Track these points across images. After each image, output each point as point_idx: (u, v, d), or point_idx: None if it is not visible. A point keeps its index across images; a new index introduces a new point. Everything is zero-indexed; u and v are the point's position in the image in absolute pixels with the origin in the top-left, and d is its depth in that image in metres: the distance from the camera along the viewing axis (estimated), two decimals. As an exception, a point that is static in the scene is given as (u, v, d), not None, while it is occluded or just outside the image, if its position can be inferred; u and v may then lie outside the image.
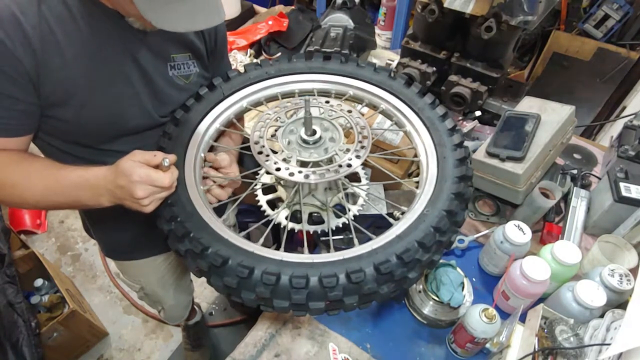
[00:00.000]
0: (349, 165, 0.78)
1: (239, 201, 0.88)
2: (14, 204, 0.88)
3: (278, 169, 0.78)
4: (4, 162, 0.79)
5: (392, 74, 0.97)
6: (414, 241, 0.70)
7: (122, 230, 1.13)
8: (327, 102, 0.91)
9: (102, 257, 2.38)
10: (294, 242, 1.77)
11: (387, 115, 0.97)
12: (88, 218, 1.17)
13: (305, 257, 0.71)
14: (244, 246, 0.72)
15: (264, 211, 0.95)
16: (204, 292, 2.22)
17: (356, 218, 0.90)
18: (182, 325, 1.96)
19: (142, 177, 0.72)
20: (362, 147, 0.81)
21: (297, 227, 0.89)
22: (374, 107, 0.99)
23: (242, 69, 1.02)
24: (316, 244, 1.11)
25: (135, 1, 0.67)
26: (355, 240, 0.76)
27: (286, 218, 0.90)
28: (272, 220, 0.87)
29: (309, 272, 0.67)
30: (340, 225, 0.91)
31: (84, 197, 0.79)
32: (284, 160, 0.80)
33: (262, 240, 0.76)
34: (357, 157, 0.79)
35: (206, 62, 1.02)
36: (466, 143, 0.88)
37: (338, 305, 0.69)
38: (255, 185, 0.99)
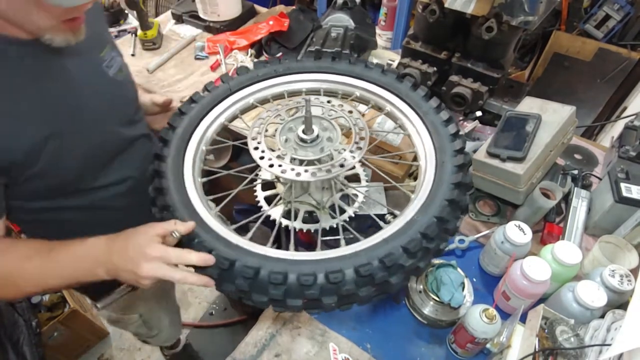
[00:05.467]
0: (342, 165, 0.77)
1: (232, 195, 0.87)
2: (9, 297, 0.79)
3: (271, 166, 0.78)
4: None
5: (400, 77, 0.97)
6: (398, 246, 0.69)
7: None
8: (329, 101, 0.91)
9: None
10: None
11: (392, 117, 0.97)
12: None
13: (286, 254, 0.71)
14: (232, 240, 0.72)
15: (261, 207, 0.95)
16: (204, 292, 2.22)
17: (357, 217, 0.90)
18: (168, 355, 1.90)
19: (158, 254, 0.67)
20: (358, 148, 0.80)
21: (289, 224, 0.89)
22: (379, 108, 0.98)
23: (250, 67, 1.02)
24: (315, 242, 1.11)
25: None
26: (342, 242, 0.76)
27: (283, 216, 0.91)
28: (267, 216, 0.87)
29: (288, 268, 0.67)
30: (335, 226, 0.91)
31: (80, 272, 0.74)
32: (279, 157, 0.80)
33: (251, 235, 0.77)
34: (352, 157, 0.79)
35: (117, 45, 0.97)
36: (467, 143, 0.87)
37: (316, 305, 0.69)
38: (255, 181, 0.99)
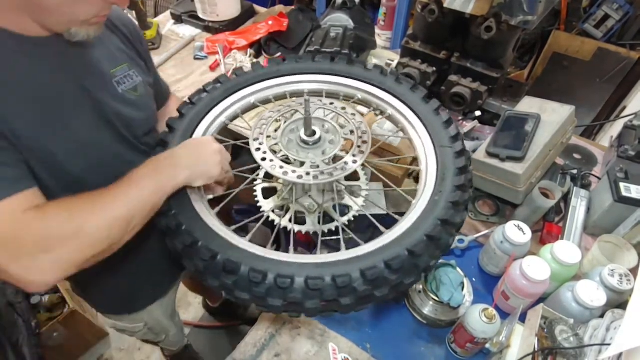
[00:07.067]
0: (344, 169, 0.77)
1: (232, 195, 0.88)
2: (120, 230, 0.68)
3: (273, 167, 0.78)
4: (71, 206, 0.66)
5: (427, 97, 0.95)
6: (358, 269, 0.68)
7: (122, 279, 1.08)
8: (332, 103, 0.91)
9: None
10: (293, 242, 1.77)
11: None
12: (80, 279, 1.06)
13: (266, 252, 0.71)
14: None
15: (260, 207, 0.95)
16: (204, 292, 2.22)
17: (359, 217, 0.90)
18: (168, 356, 1.88)
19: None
20: (361, 152, 0.80)
21: (288, 225, 0.89)
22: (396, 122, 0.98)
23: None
24: (315, 243, 1.11)
25: None
26: (342, 244, 0.76)
27: (279, 217, 0.90)
28: (264, 216, 0.87)
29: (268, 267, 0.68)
30: (333, 229, 0.91)
31: (164, 181, 0.73)
32: (281, 159, 0.80)
33: (251, 237, 0.77)
34: (354, 161, 0.79)
35: (145, 66, 0.98)
36: (466, 143, 0.87)
37: (297, 308, 0.70)
38: (255, 182, 0.99)
